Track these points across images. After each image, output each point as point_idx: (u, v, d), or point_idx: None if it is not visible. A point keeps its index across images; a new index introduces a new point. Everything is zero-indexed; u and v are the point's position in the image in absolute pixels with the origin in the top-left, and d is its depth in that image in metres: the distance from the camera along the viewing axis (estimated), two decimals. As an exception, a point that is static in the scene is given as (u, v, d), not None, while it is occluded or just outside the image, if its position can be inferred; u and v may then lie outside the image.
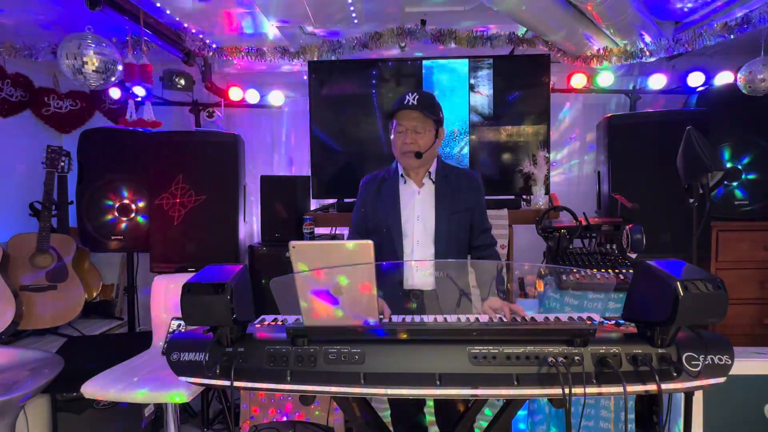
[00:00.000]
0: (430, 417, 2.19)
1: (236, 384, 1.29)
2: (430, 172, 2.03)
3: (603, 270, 2.37)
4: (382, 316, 1.55)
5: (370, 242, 1.25)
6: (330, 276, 1.26)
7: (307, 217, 3.09)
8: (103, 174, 3.38)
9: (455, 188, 2.01)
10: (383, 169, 2.13)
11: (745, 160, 3.23)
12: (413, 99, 1.90)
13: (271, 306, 1.57)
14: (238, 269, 1.36)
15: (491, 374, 1.24)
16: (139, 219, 3.39)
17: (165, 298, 2.87)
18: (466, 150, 3.30)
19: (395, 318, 1.59)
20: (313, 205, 3.53)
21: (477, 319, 1.55)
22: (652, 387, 1.21)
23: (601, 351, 1.24)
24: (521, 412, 2.71)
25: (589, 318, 1.47)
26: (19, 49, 3.32)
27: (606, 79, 3.49)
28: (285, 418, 2.79)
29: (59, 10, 2.85)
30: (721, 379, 1.24)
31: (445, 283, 1.94)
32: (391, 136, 2.00)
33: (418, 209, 1.99)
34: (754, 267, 3.14)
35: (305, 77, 3.42)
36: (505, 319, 1.63)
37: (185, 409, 3.10)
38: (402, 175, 2.04)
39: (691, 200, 2.16)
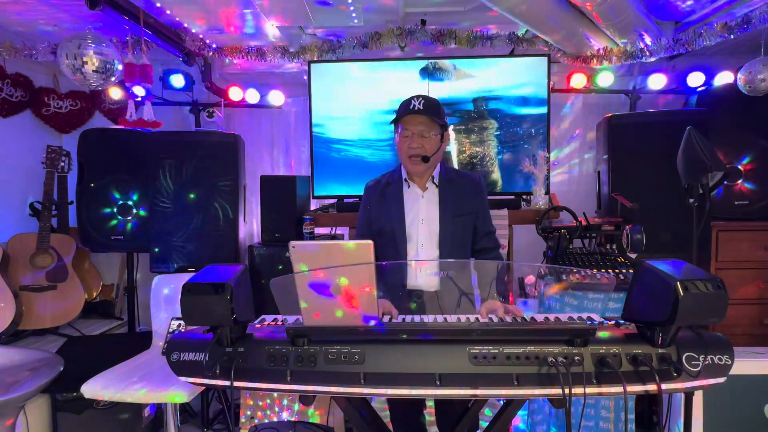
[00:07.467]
0: (430, 417, 2.19)
1: (236, 384, 1.29)
2: (433, 177, 2.03)
3: (603, 270, 2.37)
4: (382, 317, 1.55)
5: (370, 242, 1.25)
6: (330, 276, 1.26)
7: (307, 217, 3.09)
8: (103, 174, 3.38)
9: (459, 192, 2.01)
10: (386, 173, 2.13)
11: (745, 160, 3.23)
12: (419, 104, 1.91)
13: (271, 306, 1.57)
14: (238, 269, 1.36)
15: (491, 374, 1.24)
16: (139, 219, 3.39)
17: (165, 298, 2.87)
18: (465, 149, 3.29)
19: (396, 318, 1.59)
20: (313, 205, 3.53)
21: (477, 319, 1.55)
22: (652, 387, 1.21)
23: (601, 351, 1.24)
24: (521, 412, 2.71)
25: (589, 318, 1.47)
26: (19, 49, 3.32)
27: (606, 79, 3.49)
28: (285, 418, 2.78)
29: (59, 10, 2.85)
30: (721, 379, 1.24)
31: (447, 284, 1.94)
32: (396, 140, 2.01)
33: (422, 213, 2.00)
34: (754, 267, 3.13)
35: (305, 77, 3.42)
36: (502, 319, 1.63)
37: (185, 409, 3.10)
38: (406, 180, 2.04)
39: (691, 200, 2.17)
